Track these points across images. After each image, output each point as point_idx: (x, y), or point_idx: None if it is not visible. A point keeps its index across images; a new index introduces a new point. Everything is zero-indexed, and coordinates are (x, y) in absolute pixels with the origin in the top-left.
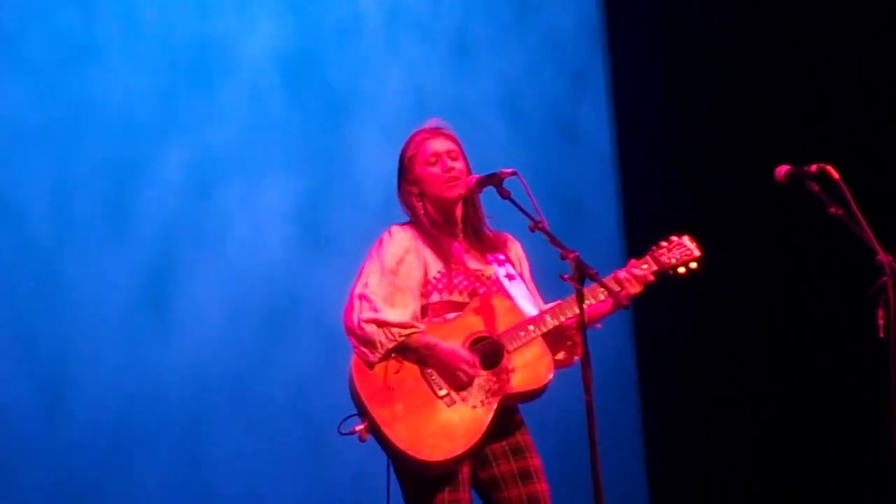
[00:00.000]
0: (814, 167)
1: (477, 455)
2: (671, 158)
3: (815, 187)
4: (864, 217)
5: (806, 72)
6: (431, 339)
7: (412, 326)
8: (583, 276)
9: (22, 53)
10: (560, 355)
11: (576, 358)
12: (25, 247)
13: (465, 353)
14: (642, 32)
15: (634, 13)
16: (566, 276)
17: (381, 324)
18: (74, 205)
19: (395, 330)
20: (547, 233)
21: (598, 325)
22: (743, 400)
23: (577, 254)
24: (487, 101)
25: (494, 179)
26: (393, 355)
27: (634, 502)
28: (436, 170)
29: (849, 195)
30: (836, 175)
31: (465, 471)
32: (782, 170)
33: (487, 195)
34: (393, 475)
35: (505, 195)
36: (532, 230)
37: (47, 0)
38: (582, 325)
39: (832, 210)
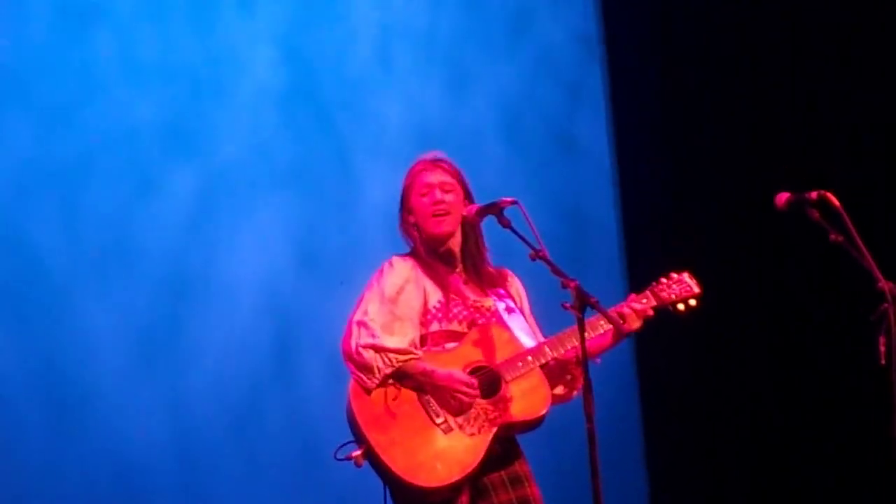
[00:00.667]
0: (814, 194)
1: (475, 485)
2: (671, 167)
3: (816, 214)
4: (864, 243)
5: (806, 84)
6: (428, 365)
7: (409, 353)
8: (584, 304)
9: (29, 91)
10: (559, 390)
11: (575, 392)
12: (38, 280)
13: (463, 375)
14: (638, 42)
15: (630, 23)
16: (567, 305)
17: (379, 349)
18: (84, 238)
19: (392, 356)
20: (548, 261)
21: (598, 360)
22: (746, 427)
23: (578, 282)
24: (485, 120)
25: (494, 209)
26: (391, 382)
27: None
28: (426, 201)
29: (849, 222)
30: (836, 202)
31: (464, 499)
32: (783, 197)
33: (488, 224)
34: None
35: (505, 224)
36: (533, 259)
37: (51, 38)
38: (583, 353)
39: (833, 237)
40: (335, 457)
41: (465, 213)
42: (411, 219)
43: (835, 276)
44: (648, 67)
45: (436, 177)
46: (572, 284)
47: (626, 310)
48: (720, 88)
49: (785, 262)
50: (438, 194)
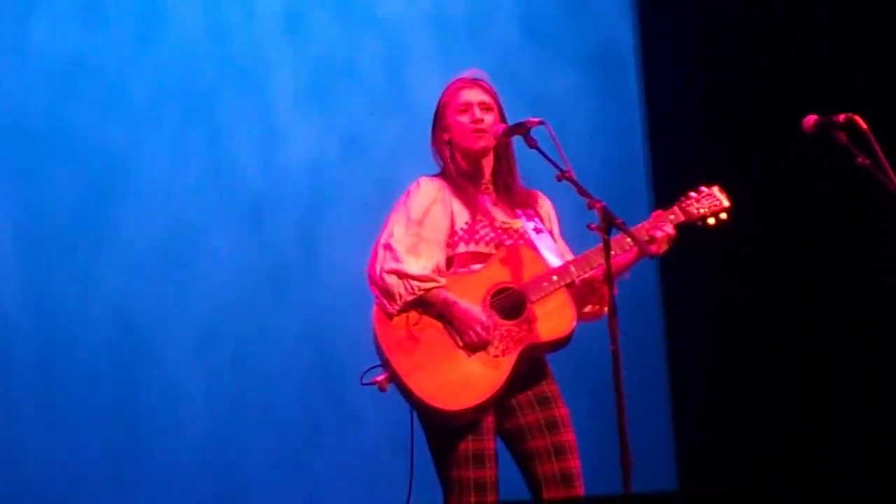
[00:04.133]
0: (842, 117)
1: (502, 405)
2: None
3: (843, 137)
4: (893, 167)
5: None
6: (451, 296)
7: (432, 280)
8: (609, 225)
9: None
10: (588, 308)
11: (606, 308)
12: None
13: (481, 314)
14: None
15: None
16: (593, 226)
17: (402, 275)
18: None
19: (414, 283)
20: (574, 182)
21: (626, 276)
22: (770, 348)
23: (604, 203)
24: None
25: (521, 129)
26: (413, 307)
27: (661, 450)
28: (465, 119)
29: (876, 145)
30: (863, 125)
31: (490, 420)
32: (810, 120)
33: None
34: (417, 426)
35: (532, 144)
36: (559, 179)
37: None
38: (609, 274)
39: (860, 160)
40: (361, 382)
41: (491, 134)
42: (445, 136)
43: (862, 199)
44: None
45: (475, 95)
46: (598, 205)
47: (658, 234)
48: None
49: (812, 182)
50: (478, 112)
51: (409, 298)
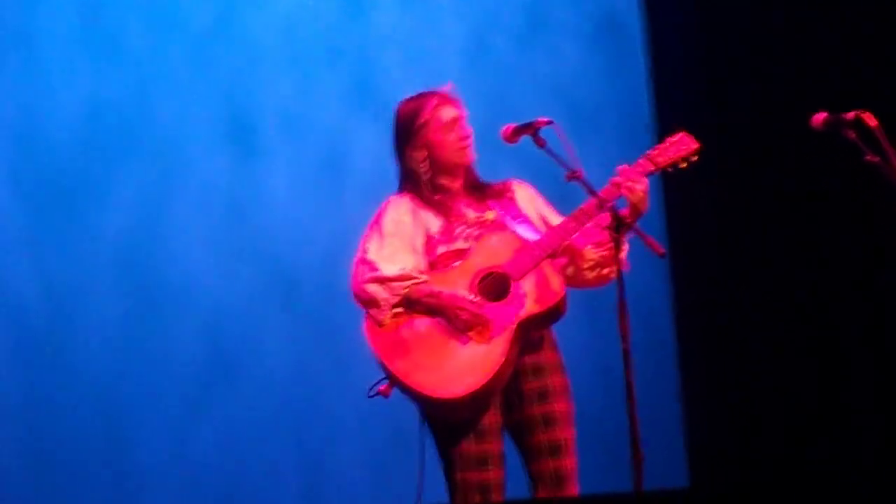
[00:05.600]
0: (851, 114)
1: (506, 399)
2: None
3: (852, 134)
4: None
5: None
6: (434, 287)
7: (412, 277)
8: (619, 225)
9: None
10: (593, 274)
11: (607, 272)
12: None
13: (465, 294)
14: None
15: None
16: (603, 226)
17: (381, 280)
18: None
19: (395, 284)
20: (583, 182)
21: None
22: (781, 343)
23: (613, 203)
24: None
25: (530, 129)
26: (401, 310)
27: (672, 446)
28: (452, 137)
29: (886, 143)
30: (873, 122)
31: (494, 420)
32: (819, 117)
33: (524, 143)
34: (427, 429)
35: (541, 144)
36: (569, 179)
37: None
38: (619, 272)
39: (868, 157)
40: (368, 395)
41: (500, 134)
42: (423, 153)
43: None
44: None
45: (457, 111)
46: (608, 206)
47: (637, 187)
48: None
49: (823, 171)
50: (466, 128)
51: (395, 300)
